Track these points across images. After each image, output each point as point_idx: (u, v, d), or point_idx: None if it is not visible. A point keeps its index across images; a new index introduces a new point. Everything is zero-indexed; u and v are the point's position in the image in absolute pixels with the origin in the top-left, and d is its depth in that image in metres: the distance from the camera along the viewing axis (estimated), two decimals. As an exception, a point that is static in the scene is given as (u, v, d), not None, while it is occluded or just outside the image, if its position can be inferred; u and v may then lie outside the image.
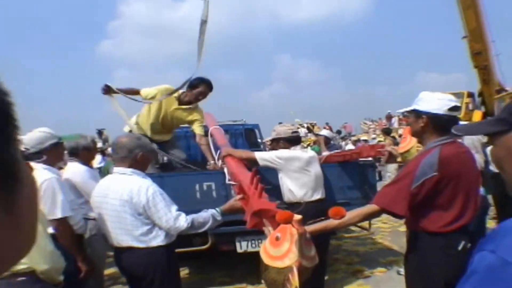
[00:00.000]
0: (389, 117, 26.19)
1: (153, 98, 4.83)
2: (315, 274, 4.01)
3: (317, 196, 4.02)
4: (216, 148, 5.04)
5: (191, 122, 5.04)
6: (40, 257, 2.31)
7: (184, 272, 5.67)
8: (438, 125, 2.35)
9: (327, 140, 8.82)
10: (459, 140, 2.54)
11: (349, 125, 28.99)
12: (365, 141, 13.91)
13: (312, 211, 3.72)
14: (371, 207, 2.35)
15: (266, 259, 1.91)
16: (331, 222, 2.22)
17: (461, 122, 2.56)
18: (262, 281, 2.03)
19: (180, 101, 4.91)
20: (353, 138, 17.81)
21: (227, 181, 3.89)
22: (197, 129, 4.97)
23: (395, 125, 24.31)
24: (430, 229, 2.32)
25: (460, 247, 2.27)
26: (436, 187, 2.26)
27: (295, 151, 4.09)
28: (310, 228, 2.13)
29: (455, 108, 2.37)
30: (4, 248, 0.48)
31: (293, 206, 3.78)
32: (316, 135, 9.50)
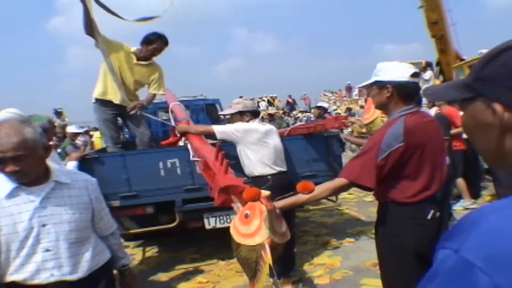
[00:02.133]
0: (349, 89, 26.55)
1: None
2: (285, 247, 4.03)
3: (279, 168, 4.01)
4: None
5: (152, 82, 4.97)
6: None
7: (153, 251, 5.67)
8: (403, 93, 2.33)
9: (323, 111, 8.81)
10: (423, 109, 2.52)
11: (308, 97, 28.97)
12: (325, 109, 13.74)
13: (276, 184, 3.71)
14: (339, 181, 2.31)
15: (237, 237, 1.86)
16: (300, 197, 2.18)
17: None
18: (235, 259, 1.98)
19: (136, 57, 4.78)
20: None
21: (191, 158, 3.83)
22: (154, 88, 4.95)
23: (354, 96, 24.68)
24: (399, 200, 2.31)
25: (429, 216, 2.28)
26: (402, 157, 2.24)
27: (252, 123, 4.07)
28: (279, 204, 2.09)
29: (416, 74, 2.36)
30: None
31: (260, 180, 3.75)
32: (317, 107, 9.43)
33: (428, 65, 14.82)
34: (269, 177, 3.87)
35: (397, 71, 2.33)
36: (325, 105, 9.69)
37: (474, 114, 0.85)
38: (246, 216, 1.84)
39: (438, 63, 13.50)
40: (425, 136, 2.29)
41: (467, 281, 0.61)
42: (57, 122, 13.69)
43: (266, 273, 1.76)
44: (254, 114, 4.18)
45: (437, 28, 12.14)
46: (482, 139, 0.85)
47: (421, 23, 12.38)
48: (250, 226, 1.80)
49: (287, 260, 4.21)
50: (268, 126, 4.20)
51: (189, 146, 4.03)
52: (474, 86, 0.84)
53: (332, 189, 2.33)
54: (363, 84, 2.53)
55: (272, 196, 1.95)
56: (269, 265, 1.73)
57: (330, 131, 4.83)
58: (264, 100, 26.99)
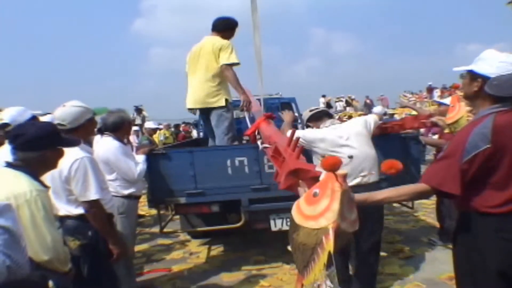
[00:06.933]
0: (430, 89, 24.92)
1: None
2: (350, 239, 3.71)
3: (354, 181, 3.45)
4: (253, 117, 4.86)
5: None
6: (40, 247, 2.11)
7: (219, 249, 5.63)
8: None
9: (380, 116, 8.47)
10: None
11: (386, 98, 26.13)
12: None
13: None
14: (420, 186, 2.05)
15: (298, 218, 1.65)
16: (374, 195, 2.00)
17: None
18: (289, 247, 1.78)
19: None
20: (390, 112, 16.69)
21: (260, 147, 3.62)
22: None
23: (436, 98, 23.40)
24: (482, 209, 2.00)
25: None
26: (490, 161, 1.94)
27: (320, 132, 3.71)
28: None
29: None
30: None
31: None
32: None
33: None
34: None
35: (495, 66, 1.99)
36: (380, 109, 9.15)
37: None
38: (315, 195, 1.64)
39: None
40: None
41: None
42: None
43: (322, 264, 1.52)
44: (311, 121, 3.89)
45: None
46: None
47: (509, 21, 11.53)
48: (317, 207, 1.60)
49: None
50: (340, 132, 3.66)
51: (258, 137, 3.92)
52: None
53: (411, 193, 2.10)
54: (460, 68, 2.20)
55: None
56: (329, 254, 1.53)
57: (408, 132, 4.51)
58: (341, 101, 26.21)
